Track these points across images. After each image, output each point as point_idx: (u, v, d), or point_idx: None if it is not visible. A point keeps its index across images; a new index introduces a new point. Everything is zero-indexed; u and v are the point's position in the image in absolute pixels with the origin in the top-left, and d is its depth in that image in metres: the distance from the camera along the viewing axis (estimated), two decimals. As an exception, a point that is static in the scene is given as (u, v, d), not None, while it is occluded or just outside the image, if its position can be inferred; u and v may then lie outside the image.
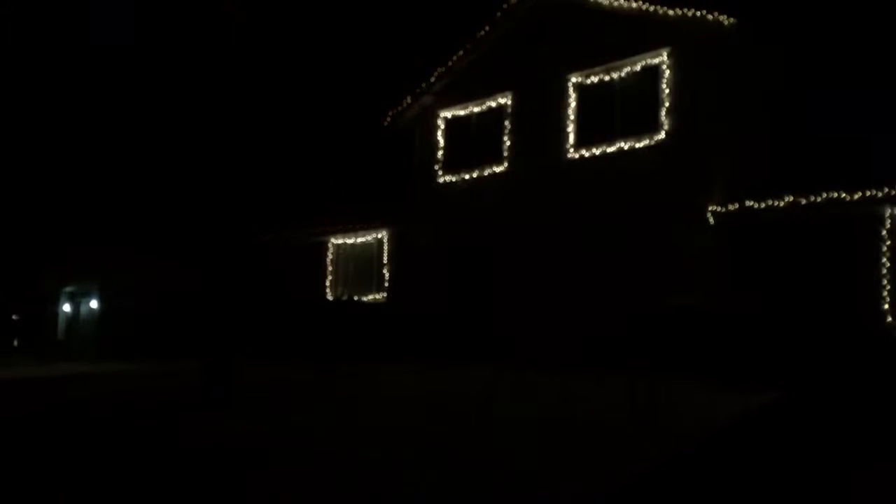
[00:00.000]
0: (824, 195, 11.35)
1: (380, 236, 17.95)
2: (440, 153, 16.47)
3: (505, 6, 15.34)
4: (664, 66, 13.16)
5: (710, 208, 12.37)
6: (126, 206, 26.90)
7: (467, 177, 15.90)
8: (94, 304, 24.41)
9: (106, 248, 25.73)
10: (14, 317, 29.48)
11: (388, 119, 17.41)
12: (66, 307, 26.71)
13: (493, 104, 15.68)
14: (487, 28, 15.63)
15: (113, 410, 9.51)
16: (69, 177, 28.28)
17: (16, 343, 28.80)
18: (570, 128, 14.32)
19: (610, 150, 13.68)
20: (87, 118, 28.55)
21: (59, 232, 28.52)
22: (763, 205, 11.93)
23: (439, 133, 16.51)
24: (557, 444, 6.79)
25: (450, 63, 16.20)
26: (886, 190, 10.85)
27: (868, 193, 10.98)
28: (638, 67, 13.54)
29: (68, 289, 26.23)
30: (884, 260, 11.01)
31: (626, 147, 13.47)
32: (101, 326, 23.69)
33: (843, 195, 11.14)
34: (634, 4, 13.44)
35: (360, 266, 18.34)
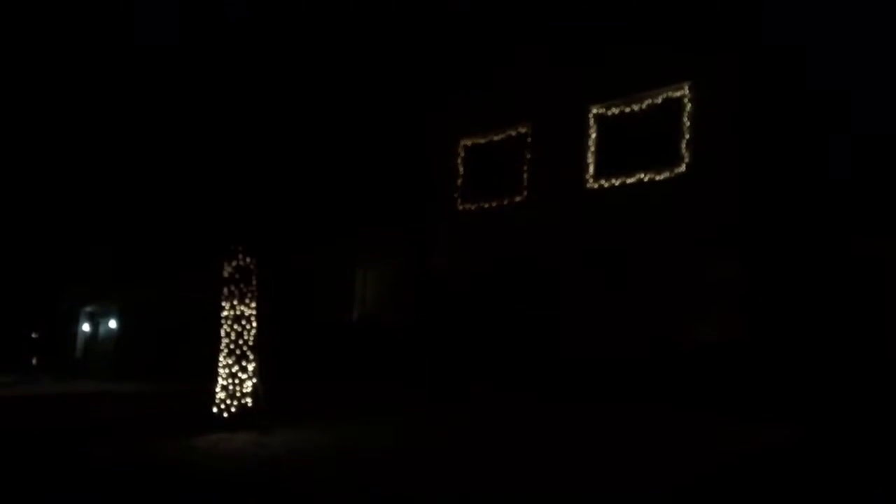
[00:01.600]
0: (850, 233, 11.25)
1: (401, 261, 18.00)
2: (459, 181, 16.58)
3: (526, 37, 15.52)
4: (686, 100, 13.22)
5: (731, 241, 12.29)
6: (149, 225, 27.15)
7: (486, 205, 15.97)
8: (112, 323, 24.65)
9: (127, 268, 25.97)
10: (34, 335, 29.79)
11: (409, 146, 17.55)
12: (86, 326, 26.97)
13: (514, 133, 15.80)
14: (508, 57, 15.79)
15: (133, 427, 9.61)
16: (91, 196, 28.62)
17: (34, 361, 29.06)
18: (590, 158, 14.38)
19: (630, 181, 13.69)
20: (109, 136, 28.84)
21: (81, 251, 28.84)
22: (787, 240, 11.84)
23: (459, 161, 16.64)
24: (574, 473, 6.75)
25: (470, 91, 16.36)
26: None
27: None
28: (659, 100, 13.60)
29: (88, 308, 26.52)
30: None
31: (646, 179, 13.48)
32: (119, 346, 23.91)
33: (868, 234, 11.04)
34: (656, 36, 13.53)
35: (382, 290, 18.39)
